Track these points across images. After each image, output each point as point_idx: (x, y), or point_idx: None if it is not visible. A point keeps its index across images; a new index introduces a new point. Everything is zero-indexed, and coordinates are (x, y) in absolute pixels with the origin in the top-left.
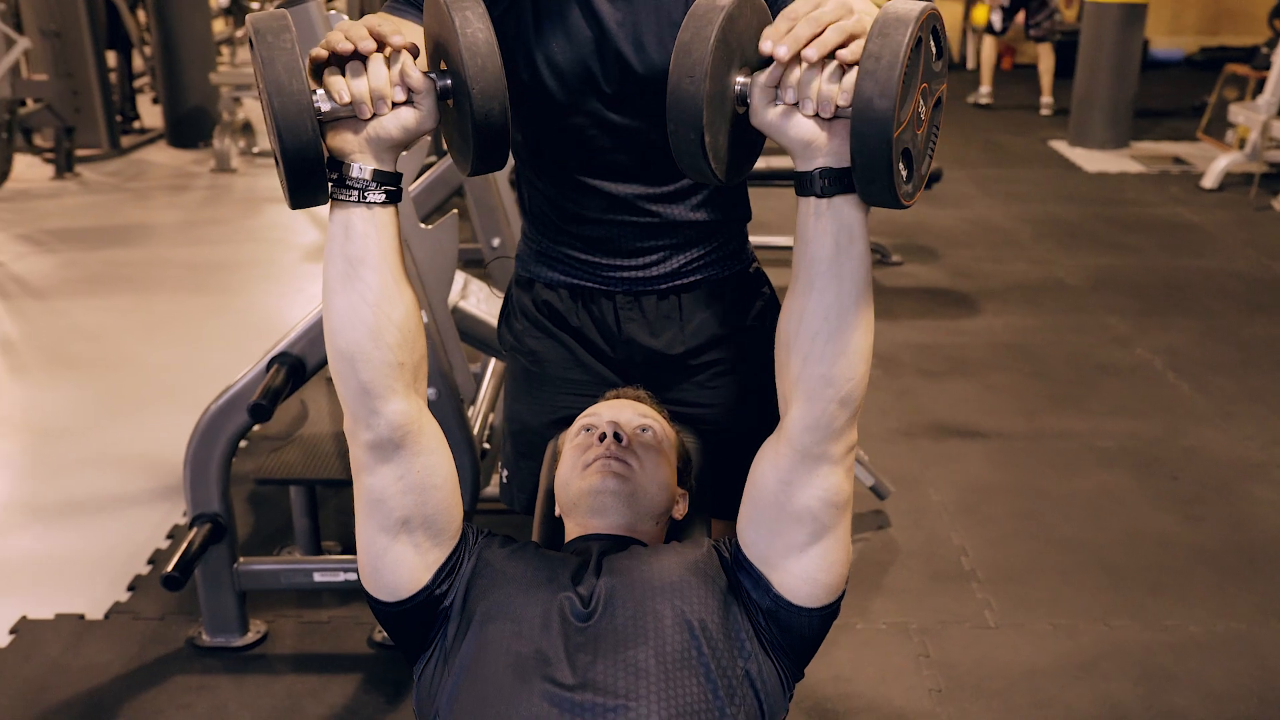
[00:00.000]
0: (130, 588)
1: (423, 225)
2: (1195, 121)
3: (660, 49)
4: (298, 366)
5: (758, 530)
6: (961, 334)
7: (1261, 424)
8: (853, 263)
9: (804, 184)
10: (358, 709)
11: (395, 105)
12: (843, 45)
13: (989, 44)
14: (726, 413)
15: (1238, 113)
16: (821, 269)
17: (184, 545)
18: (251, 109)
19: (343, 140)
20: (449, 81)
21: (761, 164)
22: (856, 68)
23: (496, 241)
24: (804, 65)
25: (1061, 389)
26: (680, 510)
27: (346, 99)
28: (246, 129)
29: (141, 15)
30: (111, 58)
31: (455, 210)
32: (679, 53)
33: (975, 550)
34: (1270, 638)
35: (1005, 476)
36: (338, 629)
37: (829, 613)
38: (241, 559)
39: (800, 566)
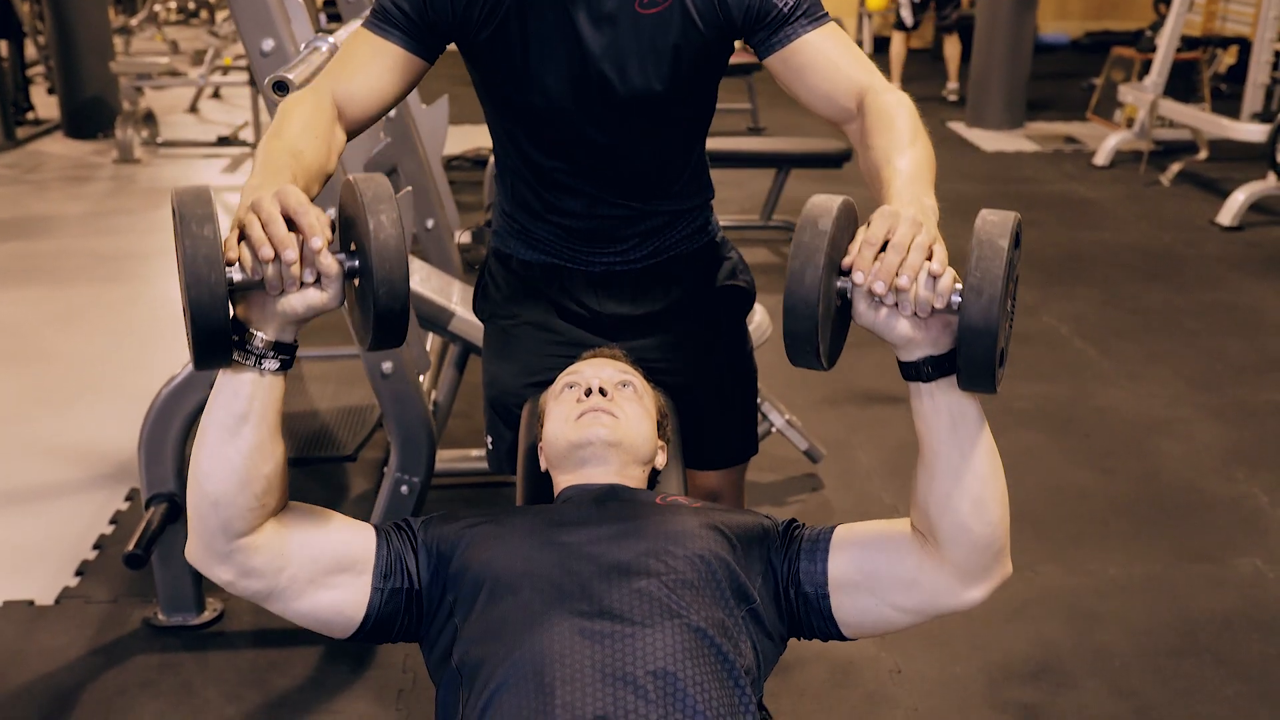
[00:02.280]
0: (78, 573)
1: None
2: (1084, 103)
3: (641, 73)
4: None
5: (863, 565)
6: None
7: (1164, 384)
8: (969, 428)
9: (910, 372)
10: (322, 679)
11: (304, 285)
12: (928, 257)
13: (898, 40)
14: (696, 368)
15: (1127, 93)
16: (943, 438)
17: (143, 524)
18: (153, 99)
19: (247, 310)
20: (356, 263)
21: (727, 144)
22: (948, 272)
23: (430, 223)
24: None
25: None
26: (661, 460)
27: (258, 277)
28: (149, 119)
29: (26, 4)
30: (2, 47)
31: (410, 188)
32: (792, 280)
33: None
34: (1183, 577)
35: None
36: None
37: (840, 638)
38: None
39: (866, 608)
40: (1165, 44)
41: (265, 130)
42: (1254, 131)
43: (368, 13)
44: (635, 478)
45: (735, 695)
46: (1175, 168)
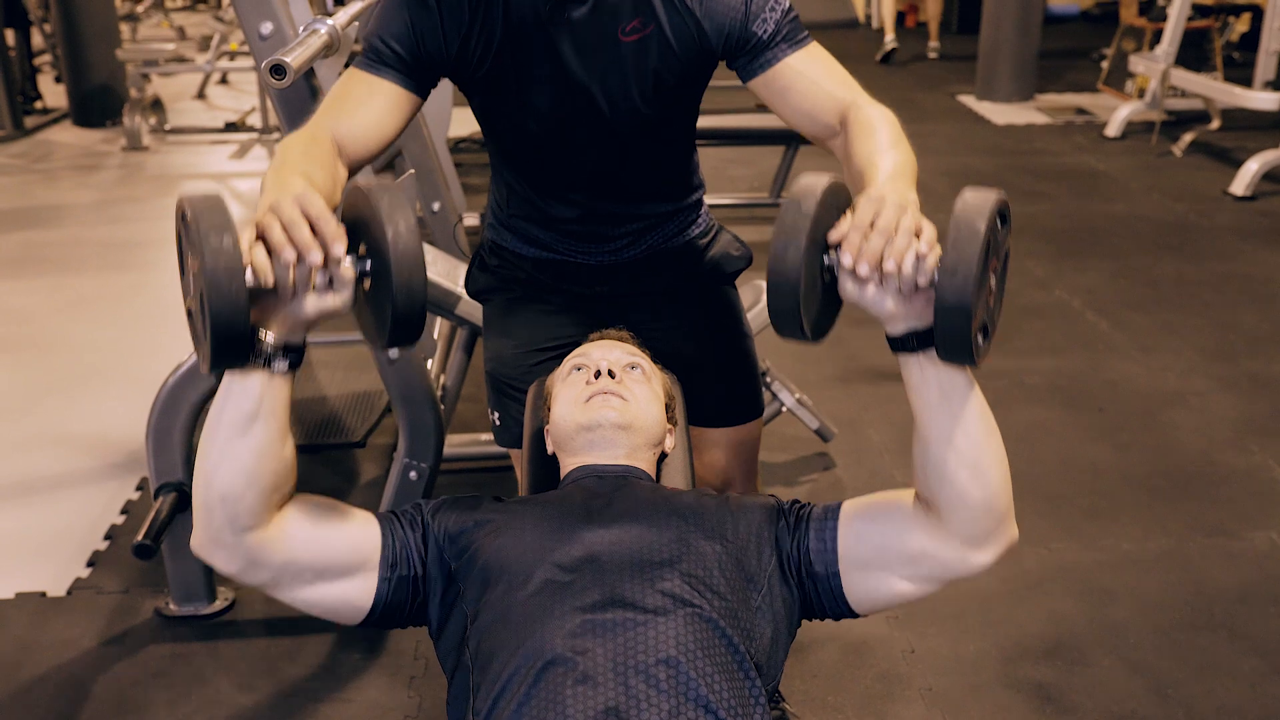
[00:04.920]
0: (90, 563)
1: None
2: (1095, 73)
3: (625, 95)
4: None
5: (871, 540)
6: None
7: (1177, 356)
8: (959, 396)
9: (896, 344)
10: (334, 667)
11: (317, 289)
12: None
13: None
14: (695, 334)
15: (1138, 63)
16: (934, 407)
17: (152, 514)
18: (161, 85)
19: (259, 312)
20: (368, 265)
21: (736, 121)
22: (934, 251)
23: (436, 205)
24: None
25: None
26: (669, 443)
27: (271, 283)
28: (156, 106)
29: None
30: (9, 36)
31: (413, 170)
32: (774, 258)
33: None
34: (1197, 551)
35: None
36: None
37: (852, 616)
38: None
39: (877, 584)
40: (1176, 12)
41: (272, 121)
42: (1267, 100)
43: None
44: (644, 461)
45: (745, 687)
46: (1187, 138)
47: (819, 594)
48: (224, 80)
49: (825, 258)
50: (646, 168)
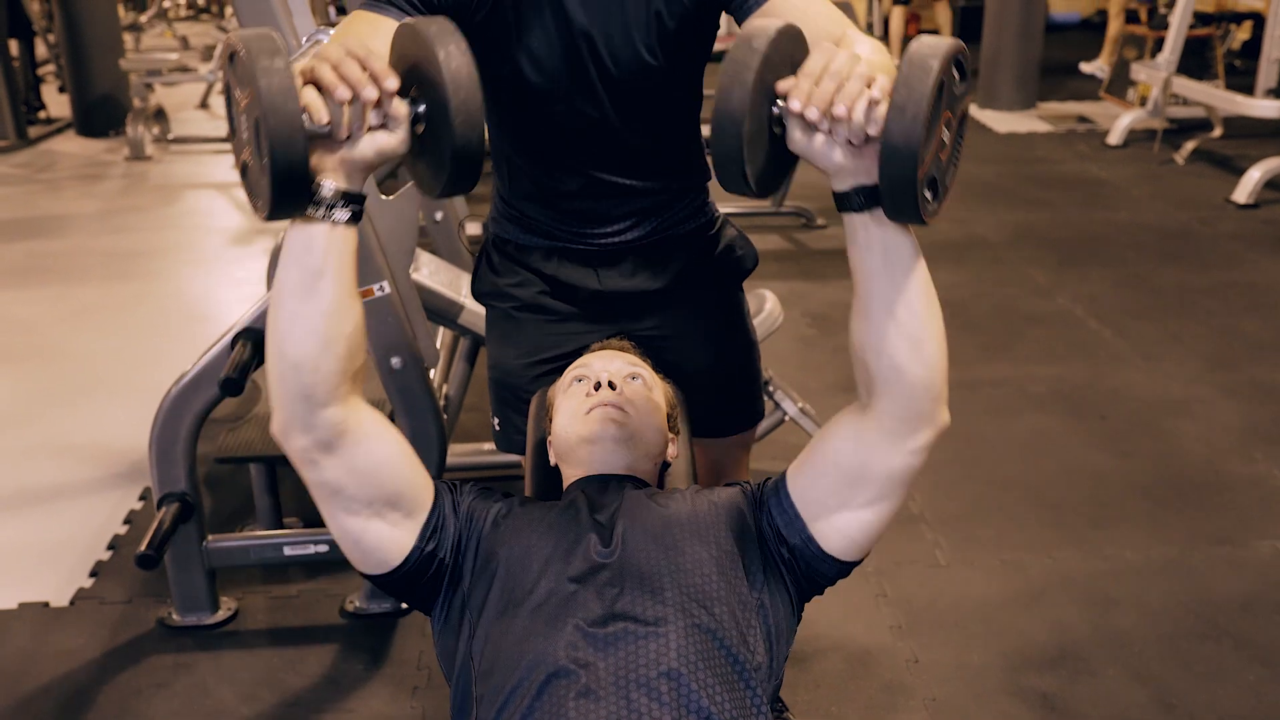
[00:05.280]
0: (93, 573)
1: (384, 197)
2: (1097, 81)
3: (626, 42)
4: (262, 342)
5: (816, 481)
6: None
7: (1180, 364)
8: (903, 263)
9: (842, 202)
10: (337, 677)
11: (372, 129)
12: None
13: (896, 15)
14: (698, 341)
15: (1139, 71)
16: (876, 272)
17: (155, 524)
18: (164, 95)
19: (316, 159)
20: (423, 108)
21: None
22: (884, 103)
23: (439, 215)
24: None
25: (990, 339)
26: (671, 452)
27: (325, 120)
28: (160, 115)
29: (36, 3)
30: (13, 46)
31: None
32: (721, 95)
33: (922, 494)
34: (1200, 559)
35: None
36: (308, 602)
37: (847, 568)
38: (210, 536)
39: (844, 522)
40: (1178, 20)
41: None
42: (1269, 108)
43: None
44: (646, 471)
45: (746, 696)
46: (1190, 146)
47: (805, 563)
48: None
49: (774, 108)
50: (648, 133)
